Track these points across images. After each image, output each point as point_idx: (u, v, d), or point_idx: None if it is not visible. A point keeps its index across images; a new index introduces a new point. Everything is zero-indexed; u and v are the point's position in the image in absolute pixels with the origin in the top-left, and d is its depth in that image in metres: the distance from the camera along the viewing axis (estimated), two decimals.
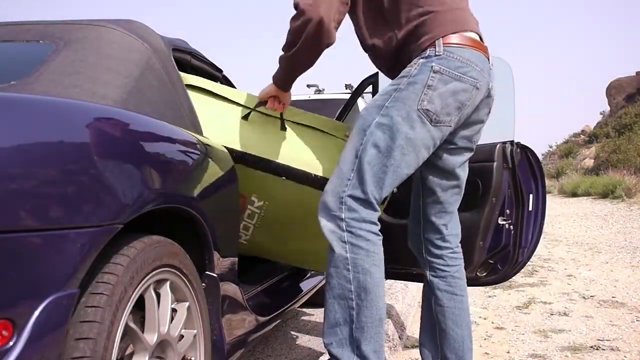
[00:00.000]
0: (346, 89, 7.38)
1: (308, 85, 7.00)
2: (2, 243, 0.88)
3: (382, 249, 1.55)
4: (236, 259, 1.74)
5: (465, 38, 1.60)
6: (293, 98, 1.91)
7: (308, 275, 2.68)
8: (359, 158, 1.54)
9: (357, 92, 2.49)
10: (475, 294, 3.74)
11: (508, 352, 2.48)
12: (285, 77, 1.73)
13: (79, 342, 1.00)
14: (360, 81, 2.48)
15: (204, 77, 2.28)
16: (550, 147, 29.11)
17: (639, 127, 19.28)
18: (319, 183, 1.82)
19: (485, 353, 2.47)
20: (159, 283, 1.28)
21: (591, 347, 2.50)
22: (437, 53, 1.56)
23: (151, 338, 1.20)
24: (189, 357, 1.40)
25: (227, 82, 2.36)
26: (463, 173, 1.77)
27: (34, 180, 0.94)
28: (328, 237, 1.53)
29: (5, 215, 0.89)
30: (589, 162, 20.21)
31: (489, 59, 1.68)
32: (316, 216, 1.61)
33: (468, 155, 1.76)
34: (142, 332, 1.19)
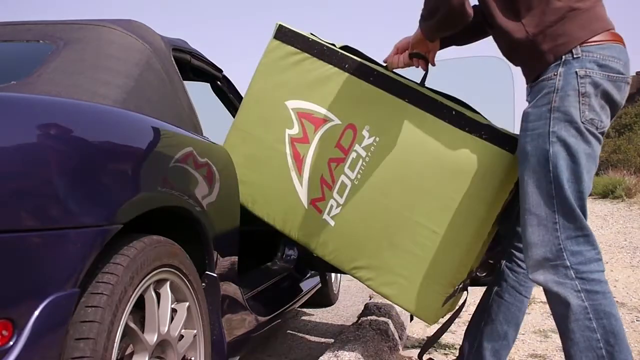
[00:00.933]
0: None
1: None
2: (2, 243, 0.88)
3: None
4: (236, 258, 1.74)
5: (604, 34, 1.45)
6: None
7: (308, 275, 2.68)
8: (556, 196, 1.41)
9: None
10: (475, 294, 3.74)
11: None
12: (428, 34, 1.63)
13: (79, 342, 1.00)
14: None
15: (203, 78, 2.28)
16: None
17: (639, 127, 19.27)
18: (456, 119, 1.64)
19: None
20: (159, 283, 1.28)
21: None
22: (575, 56, 1.43)
23: (151, 338, 1.20)
24: (189, 357, 1.40)
25: (227, 82, 2.36)
26: None
27: (34, 180, 0.94)
28: (557, 291, 1.42)
29: (5, 215, 0.89)
30: None
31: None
32: (432, 164, 1.55)
33: None
34: (142, 332, 1.19)
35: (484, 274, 2.20)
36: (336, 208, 1.72)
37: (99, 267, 1.08)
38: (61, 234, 0.97)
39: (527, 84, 1.60)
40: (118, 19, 1.64)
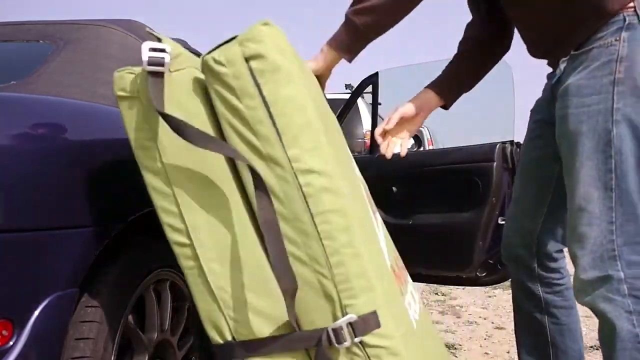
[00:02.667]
0: (346, 88, 7.42)
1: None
2: (2, 243, 0.88)
3: None
4: None
5: None
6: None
7: None
8: (616, 188, 1.13)
9: (357, 92, 2.49)
10: (475, 294, 3.74)
11: (508, 352, 2.48)
12: (352, 40, 1.25)
13: (79, 342, 1.00)
14: (360, 81, 2.49)
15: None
16: None
17: None
18: None
19: (485, 353, 2.47)
20: (159, 283, 1.28)
21: (591, 347, 2.50)
22: None
23: (151, 338, 1.20)
24: (189, 357, 1.40)
25: None
26: None
27: (34, 180, 0.94)
28: (604, 309, 1.15)
29: (6, 215, 0.89)
30: None
31: None
32: None
33: None
34: (142, 332, 1.19)
35: (484, 274, 2.20)
36: (414, 312, 1.15)
37: (99, 267, 1.08)
38: (61, 234, 0.97)
39: (556, 58, 1.29)
40: (118, 19, 1.64)
